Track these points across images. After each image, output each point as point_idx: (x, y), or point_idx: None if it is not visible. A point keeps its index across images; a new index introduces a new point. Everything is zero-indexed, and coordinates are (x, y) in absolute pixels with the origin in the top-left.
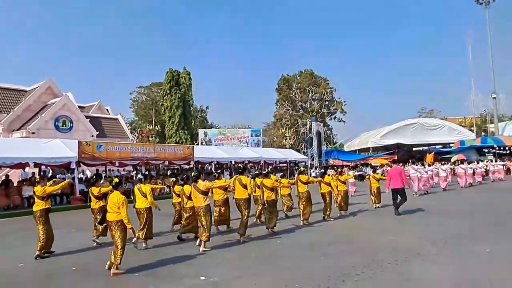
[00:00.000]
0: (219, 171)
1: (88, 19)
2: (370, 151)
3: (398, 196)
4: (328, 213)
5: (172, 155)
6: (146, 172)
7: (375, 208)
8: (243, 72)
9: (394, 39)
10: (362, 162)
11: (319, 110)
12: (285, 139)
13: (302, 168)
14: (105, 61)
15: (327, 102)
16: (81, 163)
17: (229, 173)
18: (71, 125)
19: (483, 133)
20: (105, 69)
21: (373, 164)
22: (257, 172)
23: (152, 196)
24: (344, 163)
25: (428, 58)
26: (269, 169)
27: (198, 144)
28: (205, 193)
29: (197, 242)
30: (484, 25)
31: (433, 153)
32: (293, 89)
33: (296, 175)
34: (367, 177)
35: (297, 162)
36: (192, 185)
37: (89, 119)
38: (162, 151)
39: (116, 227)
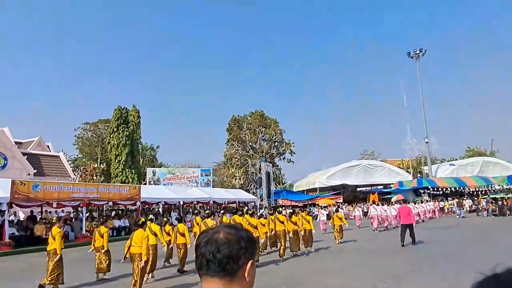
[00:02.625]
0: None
1: (27, 51)
2: (318, 191)
3: (407, 230)
4: (282, 252)
5: (117, 195)
6: (87, 213)
7: (338, 243)
8: (195, 110)
9: (340, 92)
10: (310, 202)
11: (269, 151)
12: (235, 179)
13: (280, 209)
14: (48, 95)
15: (276, 143)
16: (13, 204)
17: (178, 214)
18: (5, 162)
19: (418, 175)
20: (47, 104)
21: (320, 204)
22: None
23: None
24: (293, 203)
25: (370, 103)
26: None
27: (146, 184)
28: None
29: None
30: (416, 76)
31: (376, 193)
32: (244, 129)
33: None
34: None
35: (246, 202)
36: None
37: (26, 156)
38: (106, 191)
39: (139, 258)
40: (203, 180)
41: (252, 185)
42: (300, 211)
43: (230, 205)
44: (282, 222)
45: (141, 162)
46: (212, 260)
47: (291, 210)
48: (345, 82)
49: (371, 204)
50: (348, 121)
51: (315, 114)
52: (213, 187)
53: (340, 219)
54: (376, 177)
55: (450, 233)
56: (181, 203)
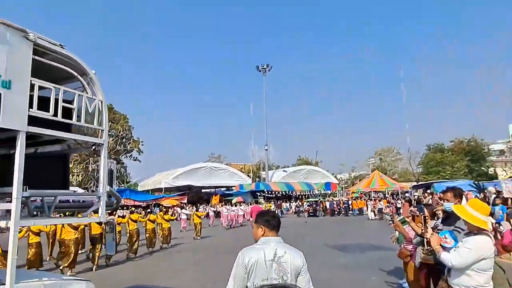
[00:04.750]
0: None
1: None
2: (163, 192)
3: None
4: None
5: None
6: None
7: (194, 239)
8: None
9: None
10: (154, 202)
11: (115, 147)
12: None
13: (132, 208)
14: None
15: (124, 140)
16: None
17: None
18: None
19: (257, 179)
20: None
21: (164, 205)
22: None
23: None
24: (136, 203)
25: (222, 109)
26: None
27: None
28: None
29: None
30: (262, 89)
31: (218, 195)
32: None
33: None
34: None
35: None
36: None
37: None
38: None
39: None
40: None
41: (93, 182)
42: (159, 211)
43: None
44: (135, 221)
45: None
46: None
47: (149, 210)
48: (198, 87)
49: (211, 205)
50: (199, 124)
51: (167, 114)
52: None
53: (200, 217)
54: (220, 179)
55: None
56: None
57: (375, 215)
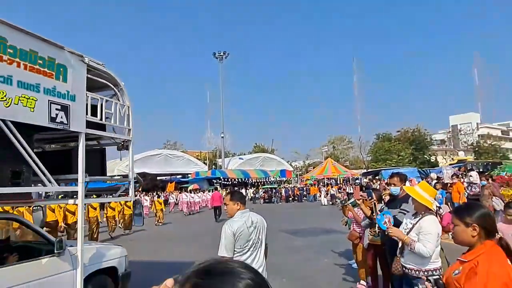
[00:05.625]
0: None
1: None
2: None
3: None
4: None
5: None
6: None
7: (156, 225)
8: None
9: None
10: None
11: None
12: None
13: None
14: None
15: None
16: None
17: None
18: None
19: (213, 166)
20: None
21: None
22: None
23: None
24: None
25: (177, 96)
26: None
27: None
28: None
29: None
30: (218, 76)
31: (174, 182)
32: None
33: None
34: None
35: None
36: None
37: None
38: None
39: None
40: None
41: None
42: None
43: None
44: (95, 209)
45: None
46: None
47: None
48: (155, 74)
49: (170, 192)
50: (154, 112)
51: None
52: None
53: (161, 204)
54: (176, 166)
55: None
56: None
57: (328, 201)
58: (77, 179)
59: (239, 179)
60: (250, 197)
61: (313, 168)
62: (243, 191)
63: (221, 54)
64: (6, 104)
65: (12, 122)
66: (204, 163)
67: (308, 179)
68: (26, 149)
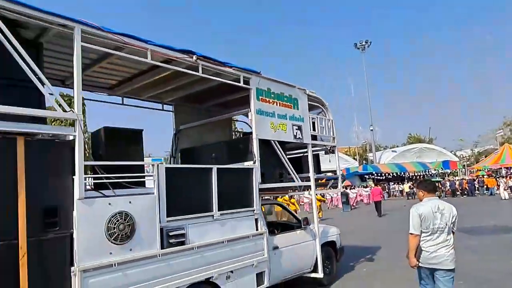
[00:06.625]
0: None
1: None
2: None
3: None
4: None
5: None
6: None
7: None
8: None
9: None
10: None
11: None
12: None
13: None
14: None
15: None
16: None
17: None
18: None
19: (364, 161)
20: None
21: None
22: None
23: None
24: None
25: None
26: None
27: None
28: None
29: None
30: (362, 68)
31: (324, 179)
32: None
33: None
34: None
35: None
36: None
37: None
38: None
39: None
40: None
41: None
42: None
43: None
44: (294, 204)
45: None
46: None
47: None
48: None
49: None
50: None
51: None
52: None
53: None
54: (326, 164)
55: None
56: None
57: (508, 194)
58: (309, 177)
59: (394, 174)
60: (406, 193)
61: (485, 156)
62: (397, 186)
63: (363, 43)
64: (274, 130)
65: (276, 141)
66: (354, 158)
67: (480, 170)
68: (284, 158)
